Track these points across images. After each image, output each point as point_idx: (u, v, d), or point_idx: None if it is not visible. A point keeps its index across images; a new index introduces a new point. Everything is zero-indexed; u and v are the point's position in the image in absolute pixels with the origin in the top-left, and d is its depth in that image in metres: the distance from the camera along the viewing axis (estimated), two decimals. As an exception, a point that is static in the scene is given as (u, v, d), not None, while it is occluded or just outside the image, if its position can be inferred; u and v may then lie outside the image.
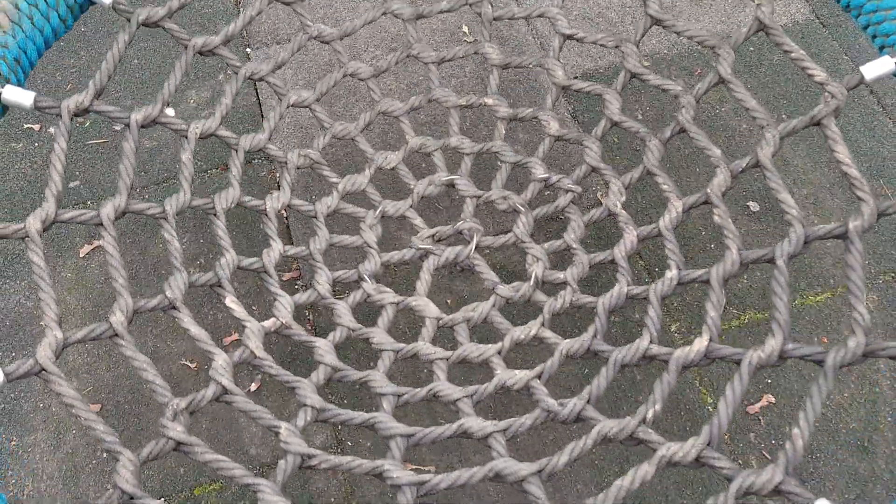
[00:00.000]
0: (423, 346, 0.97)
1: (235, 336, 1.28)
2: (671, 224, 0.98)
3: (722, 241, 0.92)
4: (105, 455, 1.20)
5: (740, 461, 1.17)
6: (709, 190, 0.96)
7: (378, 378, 0.92)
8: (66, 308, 1.31)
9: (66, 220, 0.90)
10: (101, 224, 0.92)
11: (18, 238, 0.87)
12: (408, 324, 1.29)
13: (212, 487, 1.14)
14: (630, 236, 1.00)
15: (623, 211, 1.03)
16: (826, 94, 0.93)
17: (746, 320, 1.31)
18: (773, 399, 1.21)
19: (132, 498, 0.72)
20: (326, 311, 1.02)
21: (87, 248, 1.37)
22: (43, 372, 0.79)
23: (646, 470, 0.75)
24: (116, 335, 0.85)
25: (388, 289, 1.04)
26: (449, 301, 1.32)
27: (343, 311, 1.00)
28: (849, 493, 1.11)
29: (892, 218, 1.41)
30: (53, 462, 1.17)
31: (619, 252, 1.00)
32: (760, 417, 1.21)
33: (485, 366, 0.96)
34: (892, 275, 1.36)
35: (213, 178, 1.47)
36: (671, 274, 0.93)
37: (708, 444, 0.75)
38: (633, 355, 0.88)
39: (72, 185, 1.43)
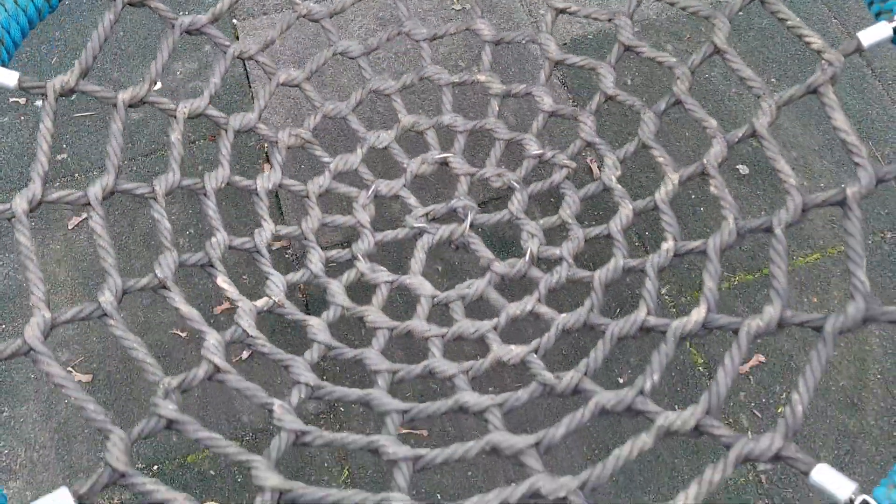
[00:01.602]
0: (418, 324, 0.96)
1: (227, 305, 1.27)
2: (667, 197, 0.96)
3: (713, 208, 0.91)
4: (97, 424, 1.20)
5: (731, 420, 1.18)
6: (705, 161, 0.95)
7: (372, 355, 0.91)
8: (56, 280, 1.30)
9: (53, 200, 0.89)
10: (89, 204, 0.90)
11: (4, 219, 0.86)
12: (403, 301, 1.28)
13: (204, 455, 1.14)
14: (626, 210, 0.99)
15: (618, 185, 1.02)
16: (823, 61, 0.91)
17: (737, 282, 1.31)
18: (764, 358, 1.20)
19: (123, 475, 0.71)
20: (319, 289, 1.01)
21: (75, 220, 1.36)
22: (31, 352, 0.78)
23: (644, 440, 0.74)
24: (105, 315, 0.84)
25: (382, 268, 1.03)
26: (440, 269, 1.31)
27: (336, 289, 0.99)
28: (839, 448, 1.12)
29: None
30: (46, 432, 1.16)
31: (615, 226, 0.99)
32: (750, 377, 1.20)
33: (480, 342, 0.95)
34: (882, 235, 1.36)
35: (200, 149, 1.45)
36: (667, 245, 0.92)
37: (707, 413, 0.74)
38: (630, 327, 0.87)
39: (59, 157, 1.41)
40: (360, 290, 1.03)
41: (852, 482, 0.64)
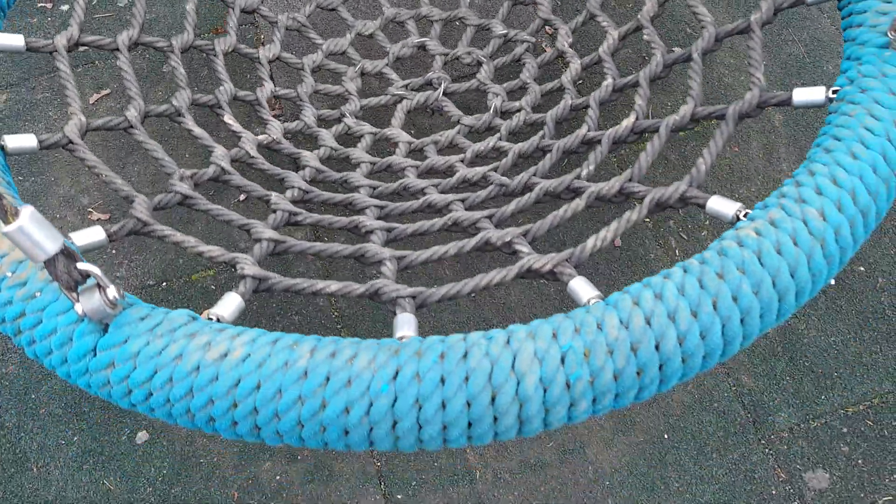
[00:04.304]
0: (396, 158, 1.11)
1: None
2: (609, 49, 1.13)
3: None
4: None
5: (661, 241, 1.33)
6: (639, 16, 1.11)
7: (356, 175, 1.06)
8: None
9: (87, 42, 1.06)
10: (118, 49, 1.07)
11: (47, 52, 1.02)
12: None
13: (207, 273, 1.29)
14: (575, 65, 1.15)
15: (570, 49, 1.19)
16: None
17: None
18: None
19: (146, 224, 0.86)
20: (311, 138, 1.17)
21: (95, 97, 1.51)
22: (70, 144, 0.94)
23: (577, 203, 0.89)
24: (131, 126, 1.00)
25: (366, 122, 1.19)
26: (414, 132, 1.45)
27: (326, 135, 1.15)
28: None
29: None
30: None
31: (566, 78, 1.15)
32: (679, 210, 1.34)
33: (449, 172, 1.10)
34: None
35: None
36: (607, 82, 1.08)
37: (629, 180, 0.89)
38: (573, 141, 1.02)
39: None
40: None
41: (736, 203, 0.79)
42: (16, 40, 1.01)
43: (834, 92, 0.85)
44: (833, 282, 1.17)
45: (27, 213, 0.61)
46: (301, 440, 0.68)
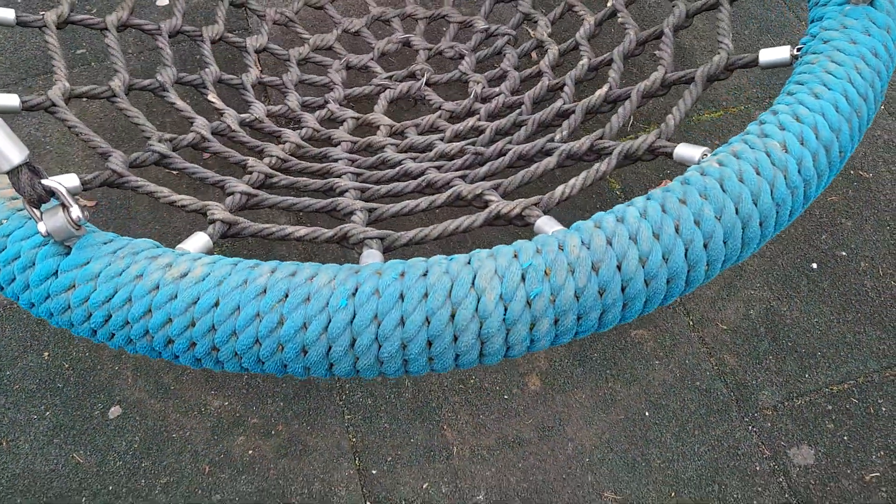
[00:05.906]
0: (377, 137, 1.13)
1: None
2: (585, 34, 1.15)
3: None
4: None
5: None
6: (612, 2, 1.14)
7: (336, 151, 1.08)
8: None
9: (76, 21, 1.09)
10: (106, 28, 1.10)
11: (37, 27, 1.06)
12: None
13: None
14: (552, 50, 1.18)
15: (549, 38, 1.21)
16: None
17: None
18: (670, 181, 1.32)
19: (121, 176, 0.87)
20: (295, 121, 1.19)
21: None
22: (53, 106, 0.96)
23: (548, 161, 0.90)
24: (115, 95, 1.02)
25: (349, 108, 1.21)
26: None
27: (309, 118, 1.17)
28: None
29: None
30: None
31: (544, 63, 1.17)
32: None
33: (429, 150, 1.11)
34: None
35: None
36: (583, 62, 1.11)
37: (600, 138, 0.91)
38: (549, 114, 1.04)
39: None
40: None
41: (702, 147, 0.80)
42: (6, 13, 1.04)
43: (798, 49, 0.87)
44: (815, 265, 1.16)
45: (-7, 121, 0.62)
46: (259, 362, 0.67)
